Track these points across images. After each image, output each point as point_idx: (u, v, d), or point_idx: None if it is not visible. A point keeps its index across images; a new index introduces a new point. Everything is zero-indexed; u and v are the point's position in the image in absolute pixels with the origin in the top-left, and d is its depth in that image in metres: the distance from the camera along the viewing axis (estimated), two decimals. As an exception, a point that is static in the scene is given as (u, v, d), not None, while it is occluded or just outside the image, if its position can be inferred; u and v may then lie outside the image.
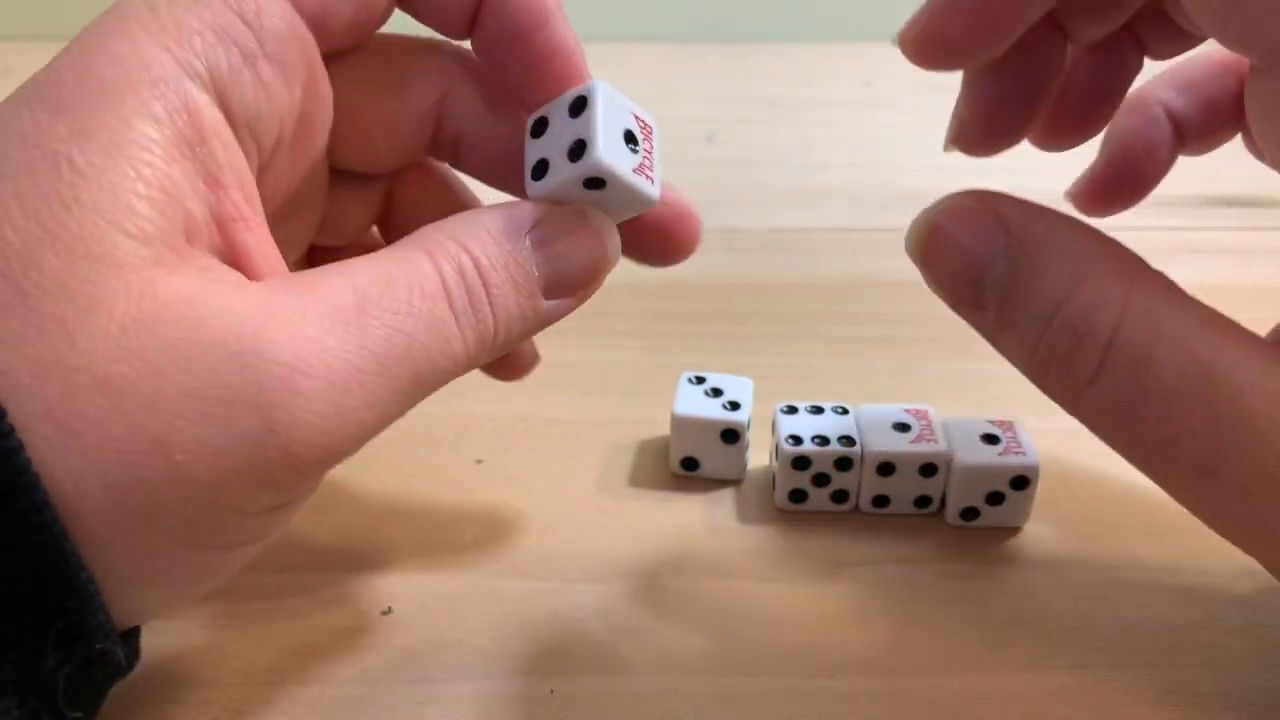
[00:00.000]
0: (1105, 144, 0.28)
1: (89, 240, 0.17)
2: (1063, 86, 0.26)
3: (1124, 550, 0.29)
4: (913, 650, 0.26)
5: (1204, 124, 0.28)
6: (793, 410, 0.30)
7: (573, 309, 0.22)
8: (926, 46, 0.22)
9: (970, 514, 0.29)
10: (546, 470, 0.32)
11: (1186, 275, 0.26)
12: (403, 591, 0.27)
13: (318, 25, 0.21)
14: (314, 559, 0.28)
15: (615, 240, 0.23)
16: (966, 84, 0.25)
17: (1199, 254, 0.26)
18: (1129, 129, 0.28)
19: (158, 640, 0.25)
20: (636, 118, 0.23)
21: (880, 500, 0.30)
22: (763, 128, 0.58)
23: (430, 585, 0.27)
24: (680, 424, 0.31)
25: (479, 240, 0.20)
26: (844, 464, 0.29)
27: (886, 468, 0.29)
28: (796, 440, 0.29)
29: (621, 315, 0.38)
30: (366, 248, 0.25)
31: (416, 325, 0.19)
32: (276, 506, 0.19)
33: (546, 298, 0.21)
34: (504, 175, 0.25)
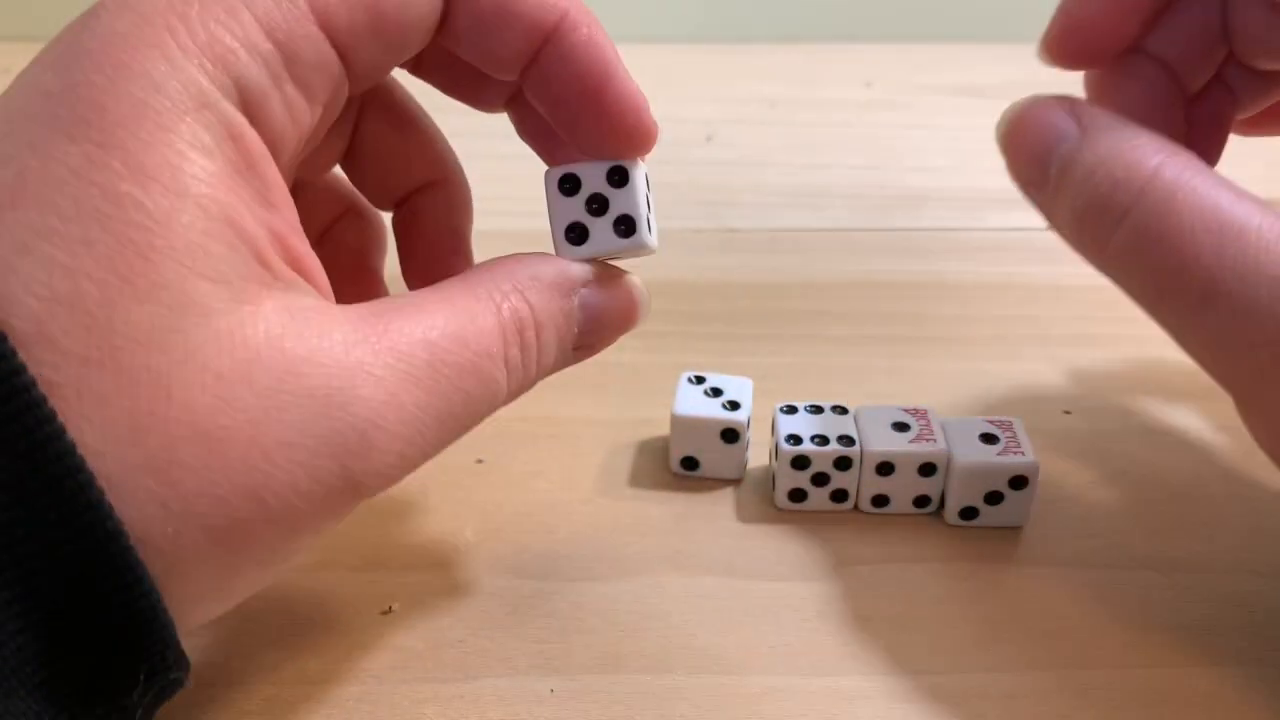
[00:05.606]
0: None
1: (172, 289, 0.17)
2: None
3: (1123, 550, 0.29)
4: (912, 650, 0.26)
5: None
6: (792, 410, 0.30)
7: (591, 356, 0.25)
8: (1069, 44, 0.25)
9: (969, 513, 0.29)
10: (546, 470, 0.32)
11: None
12: (403, 591, 0.27)
13: (347, 57, 0.21)
14: (314, 558, 0.28)
15: (646, 305, 0.25)
16: None
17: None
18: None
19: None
20: (646, 176, 0.24)
21: (879, 500, 0.30)
22: (763, 128, 0.58)
23: (430, 585, 0.27)
24: (680, 424, 0.31)
25: (538, 291, 0.22)
26: (843, 463, 0.29)
27: (885, 467, 0.29)
28: (796, 440, 0.29)
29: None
30: (331, 189, 0.28)
31: (475, 383, 0.21)
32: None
33: (574, 348, 0.24)
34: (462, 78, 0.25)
